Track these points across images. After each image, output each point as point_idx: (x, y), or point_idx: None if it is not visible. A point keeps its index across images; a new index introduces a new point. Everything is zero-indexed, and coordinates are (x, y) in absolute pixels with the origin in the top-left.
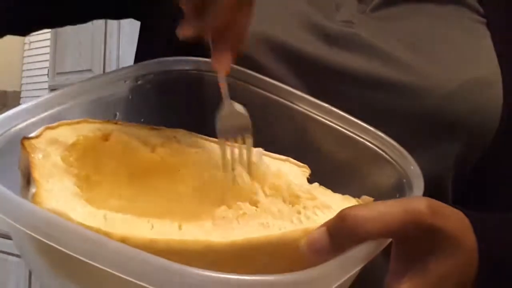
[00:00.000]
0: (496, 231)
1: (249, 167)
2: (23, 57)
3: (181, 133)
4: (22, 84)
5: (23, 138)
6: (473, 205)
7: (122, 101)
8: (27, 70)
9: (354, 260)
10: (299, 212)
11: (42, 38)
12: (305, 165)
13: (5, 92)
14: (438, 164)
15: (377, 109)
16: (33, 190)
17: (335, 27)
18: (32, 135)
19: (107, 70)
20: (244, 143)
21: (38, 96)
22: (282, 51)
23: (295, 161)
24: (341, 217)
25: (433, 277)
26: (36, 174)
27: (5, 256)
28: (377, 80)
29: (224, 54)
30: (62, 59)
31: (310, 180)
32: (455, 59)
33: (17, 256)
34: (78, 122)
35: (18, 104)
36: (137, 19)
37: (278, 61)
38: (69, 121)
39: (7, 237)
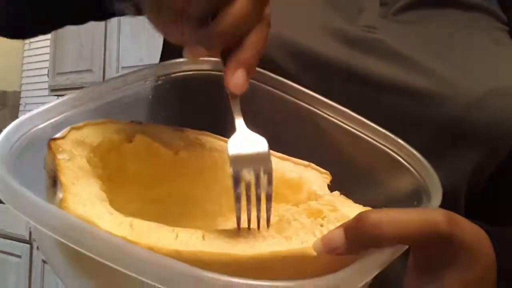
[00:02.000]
0: None
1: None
2: (23, 57)
3: (204, 136)
4: (22, 84)
5: (50, 140)
6: (486, 217)
7: (143, 101)
8: (27, 70)
9: (371, 267)
10: (321, 225)
11: (42, 38)
12: (327, 171)
13: (5, 92)
14: (454, 173)
15: (398, 116)
16: (60, 195)
17: (357, 32)
18: (57, 135)
19: (107, 70)
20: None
21: (38, 96)
22: (302, 56)
23: (316, 167)
24: (359, 219)
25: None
26: (63, 177)
27: (5, 256)
28: (399, 86)
29: (237, 72)
30: (62, 59)
31: (331, 186)
32: (478, 68)
33: (17, 256)
34: (103, 123)
35: (18, 104)
36: None
37: (298, 65)
38: (94, 121)
39: (7, 237)
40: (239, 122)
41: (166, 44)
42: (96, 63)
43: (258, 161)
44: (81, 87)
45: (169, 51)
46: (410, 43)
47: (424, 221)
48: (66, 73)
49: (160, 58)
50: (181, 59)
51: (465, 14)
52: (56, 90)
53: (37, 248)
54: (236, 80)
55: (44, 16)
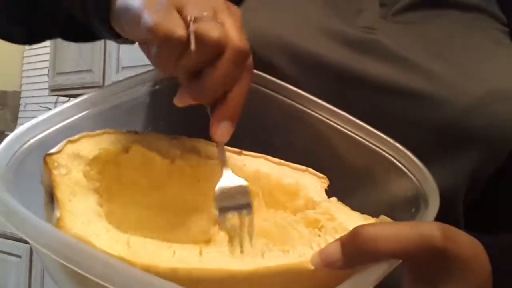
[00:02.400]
0: (511, 256)
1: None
2: (23, 57)
3: (201, 144)
4: (22, 84)
5: (46, 155)
6: (485, 219)
7: (141, 106)
8: (27, 70)
9: (365, 280)
10: (319, 236)
11: None
12: (324, 176)
13: (5, 92)
14: (453, 176)
15: (396, 118)
16: (57, 214)
17: (355, 33)
18: (53, 150)
19: (107, 70)
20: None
21: (38, 96)
22: (299, 57)
23: (314, 171)
24: (355, 234)
25: None
26: (59, 193)
27: (5, 256)
28: (398, 88)
29: (221, 124)
30: (62, 59)
31: (329, 190)
32: (477, 69)
33: (17, 256)
34: (99, 134)
35: (18, 104)
36: None
37: (297, 67)
38: (90, 133)
39: (7, 237)
40: (226, 171)
41: None
42: (96, 63)
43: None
44: (81, 87)
45: None
46: (409, 44)
47: (419, 236)
48: (66, 73)
49: None
50: None
51: (465, 15)
52: (56, 90)
53: None
54: (221, 131)
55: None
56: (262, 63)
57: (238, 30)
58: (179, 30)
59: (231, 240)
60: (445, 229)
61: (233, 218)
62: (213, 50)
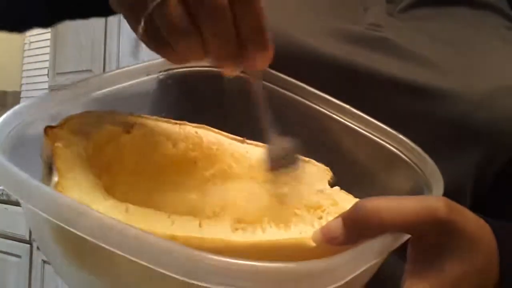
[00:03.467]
0: None
1: None
2: (23, 57)
3: (202, 129)
4: (22, 84)
5: (47, 127)
6: (493, 215)
7: (143, 95)
8: (27, 70)
9: (369, 252)
10: (320, 218)
11: (42, 38)
12: (327, 168)
13: (5, 92)
14: (460, 171)
15: (404, 113)
16: (55, 178)
17: (362, 31)
18: (55, 124)
19: (107, 70)
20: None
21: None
22: (307, 56)
23: (317, 163)
24: (357, 207)
25: (449, 278)
26: (59, 163)
27: (5, 256)
28: (405, 84)
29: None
30: (62, 59)
31: (332, 182)
32: (485, 66)
33: (17, 256)
34: (101, 113)
35: (18, 104)
36: None
37: (302, 65)
38: (93, 111)
39: (7, 237)
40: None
41: None
42: (96, 63)
43: None
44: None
45: None
46: (416, 41)
47: (422, 208)
48: (66, 73)
49: None
50: None
51: (473, 12)
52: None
53: (37, 248)
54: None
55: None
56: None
57: None
58: None
59: None
60: (450, 203)
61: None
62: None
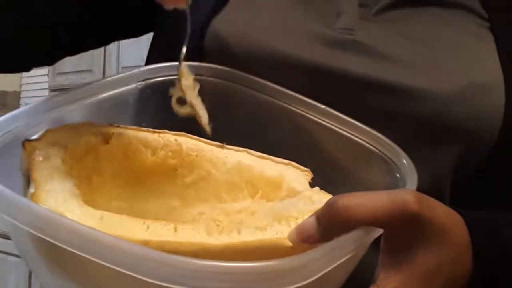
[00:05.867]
0: (491, 227)
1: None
2: None
3: (182, 137)
4: (22, 84)
5: (25, 140)
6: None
7: (124, 104)
8: None
9: (340, 248)
10: (297, 218)
11: None
12: (308, 169)
13: (5, 92)
14: (436, 169)
15: (379, 113)
16: (31, 190)
17: (334, 35)
18: (34, 137)
19: (107, 70)
20: None
21: (38, 96)
22: (279, 59)
23: (297, 165)
24: (329, 204)
25: (422, 269)
26: (35, 174)
27: (5, 256)
28: (378, 82)
29: None
30: (62, 59)
31: (312, 183)
32: (458, 63)
33: (17, 256)
34: (79, 125)
35: (18, 104)
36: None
37: (275, 69)
38: (71, 124)
39: (7, 237)
40: None
41: (150, 52)
42: (96, 63)
43: None
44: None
45: (154, 59)
46: (389, 41)
47: (393, 202)
48: (66, 73)
49: (145, 63)
50: (161, 64)
51: (446, 12)
52: (56, 90)
53: None
54: None
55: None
56: (243, 66)
57: None
58: None
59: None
60: (419, 195)
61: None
62: None
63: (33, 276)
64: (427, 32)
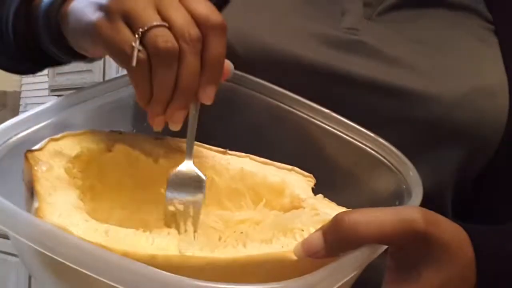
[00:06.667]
0: (495, 244)
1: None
2: None
3: (184, 143)
4: (22, 84)
5: (27, 151)
6: (474, 216)
7: (125, 106)
8: None
9: (346, 267)
10: (302, 230)
11: None
12: (310, 175)
13: (5, 92)
14: (439, 172)
15: (382, 115)
16: (35, 204)
17: (339, 35)
18: (35, 147)
19: (107, 70)
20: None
21: (38, 96)
22: (283, 60)
23: (300, 170)
24: (336, 221)
25: (427, 286)
26: (39, 187)
27: (5, 256)
28: (382, 85)
29: (207, 87)
30: None
31: (315, 189)
32: (462, 67)
33: (17, 256)
34: (82, 134)
35: (18, 104)
36: None
37: (279, 70)
38: (73, 132)
39: (7, 237)
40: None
41: None
42: (96, 63)
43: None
44: (81, 87)
45: None
46: (393, 43)
47: (399, 220)
48: (66, 73)
49: None
50: None
51: (451, 14)
52: (56, 90)
53: None
54: (208, 92)
55: None
56: (247, 66)
57: (181, 13)
58: (127, 48)
59: (167, 224)
60: (426, 213)
61: (179, 205)
62: (168, 57)
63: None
64: (431, 34)
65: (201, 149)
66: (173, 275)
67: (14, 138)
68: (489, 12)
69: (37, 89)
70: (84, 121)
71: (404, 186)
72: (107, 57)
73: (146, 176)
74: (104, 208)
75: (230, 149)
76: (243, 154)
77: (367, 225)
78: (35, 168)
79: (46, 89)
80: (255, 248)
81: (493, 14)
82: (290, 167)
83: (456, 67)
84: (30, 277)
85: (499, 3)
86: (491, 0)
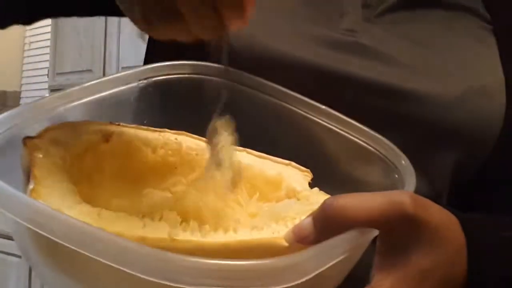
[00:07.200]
0: (487, 230)
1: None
2: (23, 57)
3: (182, 136)
4: (22, 84)
5: (25, 138)
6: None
7: (125, 103)
8: (27, 70)
9: (334, 248)
10: (294, 218)
11: (42, 38)
12: (307, 170)
13: (5, 92)
14: (435, 172)
15: (379, 115)
16: (30, 186)
17: (337, 36)
18: (34, 135)
19: (107, 70)
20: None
21: (38, 96)
22: (281, 61)
23: (297, 165)
24: (324, 205)
25: (415, 270)
26: (36, 171)
27: (5, 256)
28: (380, 85)
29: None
30: (62, 59)
31: (312, 184)
32: (459, 67)
33: (17, 256)
34: (79, 124)
35: (18, 104)
36: None
37: (279, 71)
38: (72, 122)
39: (7, 237)
40: None
41: (149, 49)
42: (96, 63)
43: None
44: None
45: (152, 57)
46: (391, 44)
47: (388, 203)
48: (66, 73)
49: (144, 63)
50: (163, 63)
51: (449, 14)
52: (56, 90)
53: None
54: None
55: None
56: (247, 67)
57: None
58: None
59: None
60: (415, 197)
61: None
62: None
63: (33, 276)
64: (430, 35)
65: (198, 141)
66: (163, 251)
67: (14, 129)
68: (488, 12)
69: (37, 89)
70: (84, 116)
71: (397, 177)
72: (107, 58)
73: (143, 167)
74: (101, 198)
75: None
76: (240, 148)
77: (356, 208)
78: (33, 154)
79: (46, 89)
80: (246, 234)
81: (491, 14)
82: (287, 161)
83: (453, 67)
84: (30, 277)
85: (498, 3)
86: (489, 0)
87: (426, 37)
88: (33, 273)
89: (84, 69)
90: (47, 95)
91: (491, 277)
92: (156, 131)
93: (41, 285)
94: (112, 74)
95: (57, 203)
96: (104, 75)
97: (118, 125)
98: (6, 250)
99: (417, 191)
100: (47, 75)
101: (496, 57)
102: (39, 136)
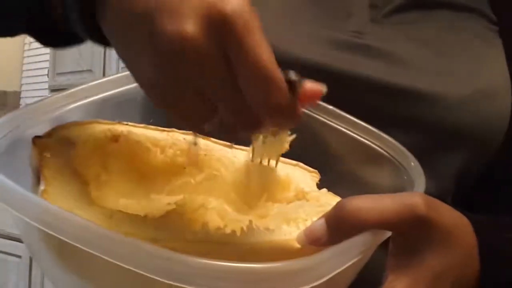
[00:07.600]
0: (497, 230)
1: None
2: (23, 57)
3: (190, 136)
4: (22, 84)
5: (35, 137)
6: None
7: (132, 102)
8: (27, 70)
9: (349, 250)
10: (305, 219)
11: None
12: (315, 170)
13: (5, 92)
14: (441, 173)
15: (385, 116)
16: (41, 187)
17: (345, 38)
18: (43, 134)
19: (107, 70)
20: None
21: (38, 96)
22: (288, 62)
23: (305, 166)
24: (337, 207)
25: (428, 271)
26: (46, 172)
27: (5, 256)
28: (387, 86)
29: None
30: (62, 59)
31: (320, 184)
32: (466, 69)
33: (17, 256)
34: (88, 123)
35: (18, 104)
36: None
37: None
38: (80, 121)
39: (7, 237)
40: None
41: None
42: (96, 63)
43: None
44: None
45: None
46: (399, 45)
47: (401, 205)
48: (66, 73)
49: None
50: None
51: (455, 15)
52: (56, 90)
53: None
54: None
55: None
56: None
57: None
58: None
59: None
60: (428, 198)
61: None
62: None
63: (33, 276)
64: (437, 36)
65: (207, 141)
66: (176, 253)
67: (19, 129)
68: (494, 13)
69: (37, 89)
70: (90, 115)
71: (406, 178)
72: (107, 58)
73: (152, 167)
74: (109, 198)
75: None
76: (248, 148)
77: (369, 210)
78: (43, 153)
79: (46, 89)
80: (258, 236)
81: (497, 15)
82: (294, 162)
83: (460, 68)
84: (30, 277)
85: (503, 4)
86: (495, 1)
87: (433, 38)
88: (33, 273)
89: (84, 69)
90: (47, 95)
91: (502, 279)
92: (164, 131)
93: (41, 285)
94: (112, 74)
95: (68, 204)
96: (104, 75)
97: (126, 124)
98: (6, 250)
99: (424, 192)
100: (47, 75)
101: (502, 58)
102: (48, 135)
